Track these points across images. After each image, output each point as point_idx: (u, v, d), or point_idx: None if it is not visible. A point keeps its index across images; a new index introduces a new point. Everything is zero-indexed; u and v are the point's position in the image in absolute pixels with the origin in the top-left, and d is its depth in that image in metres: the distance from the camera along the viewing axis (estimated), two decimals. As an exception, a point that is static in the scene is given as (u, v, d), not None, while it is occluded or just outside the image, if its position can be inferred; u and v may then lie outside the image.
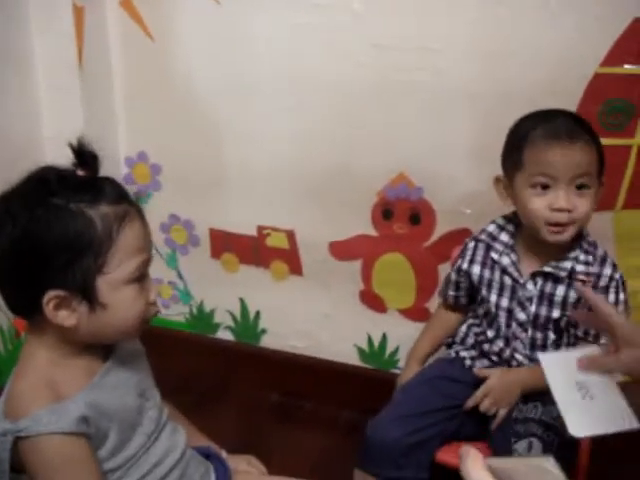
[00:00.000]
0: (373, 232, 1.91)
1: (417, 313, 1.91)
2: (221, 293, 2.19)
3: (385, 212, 1.87)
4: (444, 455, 1.45)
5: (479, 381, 1.45)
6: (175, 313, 2.29)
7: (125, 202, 0.99)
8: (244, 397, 2.15)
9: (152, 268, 2.21)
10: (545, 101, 1.50)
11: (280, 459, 1.81)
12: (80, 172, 0.98)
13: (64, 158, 0.99)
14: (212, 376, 2.20)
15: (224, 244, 2.12)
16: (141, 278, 1.01)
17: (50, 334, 1.00)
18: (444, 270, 1.70)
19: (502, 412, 1.41)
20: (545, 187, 1.34)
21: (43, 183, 0.96)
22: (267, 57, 1.85)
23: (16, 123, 1.83)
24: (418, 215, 1.84)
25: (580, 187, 1.34)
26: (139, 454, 1.06)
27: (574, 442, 1.37)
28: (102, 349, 1.07)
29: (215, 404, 2.11)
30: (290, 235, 2.02)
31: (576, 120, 1.38)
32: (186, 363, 2.22)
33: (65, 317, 0.97)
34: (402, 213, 1.85)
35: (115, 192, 0.99)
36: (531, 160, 1.35)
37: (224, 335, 2.24)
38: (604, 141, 1.56)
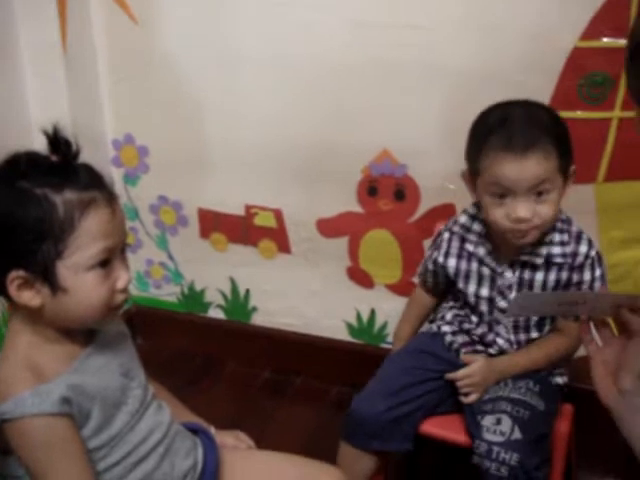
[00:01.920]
0: (359, 209, 1.93)
1: (404, 288, 1.93)
2: (211, 272, 2.21)
3: (370, 189, 1.88)
4: (428, 427, 1.48)
5: (459, 361, 1.48)
6: (166, 293, 2.31)
7: (94, 189, 1.00)
8: (236, 374, 2.18)
9: (143, 249, 2.25)
10: (525, 77, 1.51)
11: (272, 434, 1.85)
12: (54, 158, 0.99)
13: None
14: (204, 354, 2.24)
15: (213, 224, 2.13)
16: (105, 264, 1.01)
17: (28, 317, 1.03)
18: (429, 245, 1.72)
19: (474, 397, 1.42)
20: (503, 196, 1.31)
21: (12, 166, 0.98)
22: (250, 37, 1.85)
23: (1, 110, 1.83)
24: (403, 191, 1.85)
25: (540, 194, 1.30)
26: (123, 432, 1.08)
27: (545, 415, 1.40)
28: (84, 332, 1.08)
29: (207, 382, 2.15)
30: (277, 214, 2.03)
31: (538, 118, 1.31)
32: (178, 342, 2.26)
33: (29, 298, 0.99)
34: (387, 190, 1.87)
35: (85, 178, 0.99)
36: (487, 169, 1.31)
37: (215, 314, 2.26)
38: (583, 115, 1.58)
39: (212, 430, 1.31)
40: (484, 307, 1.47)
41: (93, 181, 1.01)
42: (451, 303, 1.58)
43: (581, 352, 1.57)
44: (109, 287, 1.03)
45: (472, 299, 1.48)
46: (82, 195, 0.98)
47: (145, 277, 2.31)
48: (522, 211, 1.29)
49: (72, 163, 1.00)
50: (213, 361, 2.22)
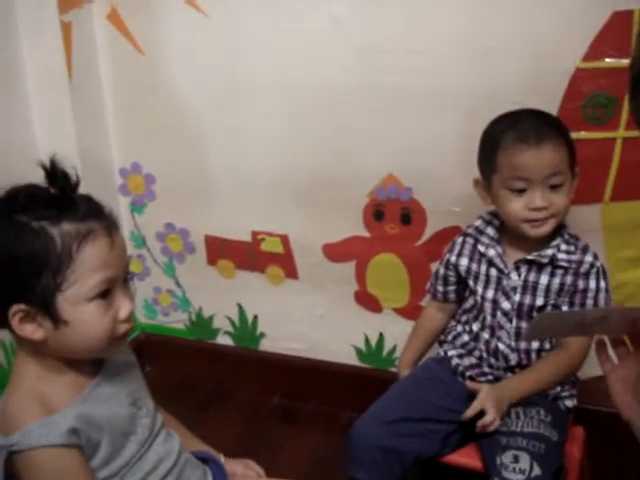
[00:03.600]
0: (365, 233, 1.93)
1: (412, 311, 1.93)
2: (219, 299, 2.21)
3: (376, 213, 1.89)
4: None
5: (464, 387, 1.47)
6: (175, 320, 2.31)
7: (92, 219, 1.00)
8: (245, 400, 2.17)
9: (150, 277, 2.25)
10: (527, 98, 1.52)
11: (281, 461, 1.85)
12: (52, 190, 1.00)
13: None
14: (213, 381, 2.22)
15: (220, 251, 2.14)
16: (106, 295, 1.01)
17: (34, 349, 1.03)
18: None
19: (494, 425, 1.38)
20: (520, 188, 1.38)
21: (10, 201, 0.99)
22: (254, 65, 1.87)
23: (8, 141, 1.85)
24: (409, 215, 1.85)
25: (553, 187, 1.38)
26: (133, 461, 1.08)
27: (559, 445, 1.39)
28: (92, 362, 1.09)
29: (217, 409, 2.14)
30: (284, 239, 2.03)
31: (543, 119, 1.41)
32: (187, 369, 2.26)
33: (31, 331, 0.99)
34: (393, 213, 1.87)
35: (84, 209, 1.00)
36: (504, 164, 1.39)
37: (223, 340, 2.26)
38: (588, 135, 1.58)
39: (222, 459, 1.30)
40: (488, 309, 1.49)
41: (91, 212, 1.01)
42: (458, 318, 1.58)
43: (590, 373, 1.57)
44: (111, 318, 1.02)
45: (479, 299, 1.50)
46: (79, 226, 0.98)
47: (153, 304, 2.31)
48: (539, 200, 1.37)
49: (70, 195, 1.01)
50: (222, 388, 2.21)
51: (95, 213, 1.02)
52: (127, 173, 2.15)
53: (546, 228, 1.40)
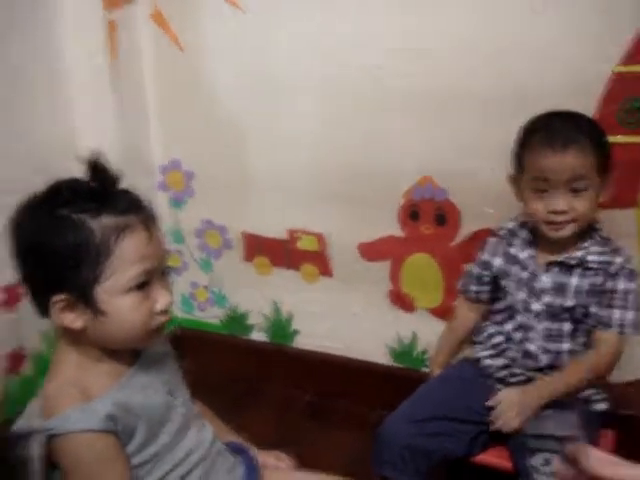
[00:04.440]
0: (401, 233, 1.94)
1: (445, 311, 1.93)
2: (254, 295, 2.24)
3: (412, 213, 1.90)
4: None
5: (493, 389, 1.49)
6: (211, 316, 2.35)
7: (131, 213, 1.03)
8: (278, 396, 2.20)
9: (188, 272, 2.29)
10: (564, 100, 1.52)
11: (312, 457, 1.84)
12: (93, 184, 1.03)
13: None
14: (247, 376, 2.25)
15: (256, 247, 2.17)
16: (143, 287, 1.05)
17: (74, 338, 1.07)
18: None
19: (513, 423, 1.41)
20: (544, 190, 1.40)
21: (52, 195, 1.03)
22: (291, 63, 1.91)
23: (53, 137, 1.90)
24: (444, 216, 1.86)
25: (576, 190, 1.38)
26: (167, 449, 1.11)
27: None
28: (130, 351, 1.12)
29: (250, 404, 2.17)
30: (320, 238, 2.06)
31: (575, 122, 1.41)
32: (222, 364, 2.28)
33: (71, 320, 1.03)
34: (428, 214, 1.88)
35: (123, 203, 1.03)
36: (530, 164, 1.43)
37: (258, 336, 2.29)
38: (623, 139, 1.57)
39: (254, 450, 1.33)
40: (519, 311, 1.50)
41: (130, 205, 1.05)
42: (490, 319, 1.59)
43: (622, 377, 1.57)
44: (147, 309, 1.06)
45: (512, 300, 1.51)
46: (118, 220, 1.02)
47: (190, 299, 2.35)
48: (559, 204, 1.39)
49: (110, 189, 1.04)
50: (255, 383, 2.24)
51: (134, 207, 1.05)
52: (167, 170, 2.20)
53: (566, 232, 1.41)
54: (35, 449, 1.03)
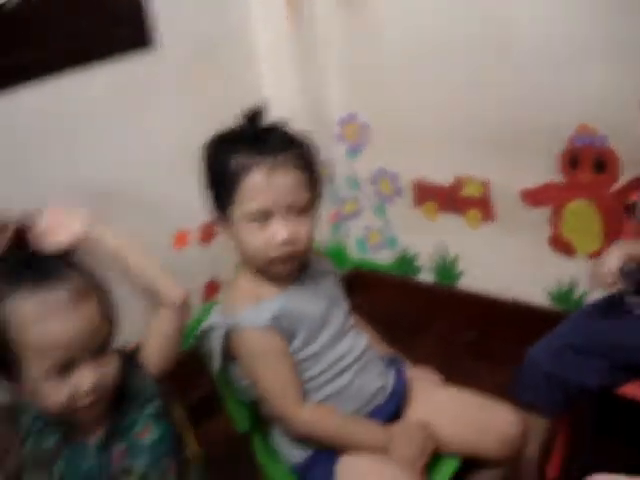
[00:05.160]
0: (561, 179, 2.01)
1: (605, 257, 1.98)
2: (423, 239, 2.40)
3: (571, 160, 1.96)
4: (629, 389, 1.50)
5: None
6: (382, 257, 2.54)
7: (270, 156, 1.21)
8: (441, 334, 2.34)
9: (362, 217, 2.46)
10: None
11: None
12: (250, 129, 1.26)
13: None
14: (413, 314, 2.42)
15: (425, 194, 2.32)
16: (265, 219, 1.22)
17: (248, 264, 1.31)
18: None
19: None
20: None
21: (222, 137, 1.28)
22: (456, 24, 2.03)
23: (239, 90, 2.14)
24: (603, 162, 1.91)
25: None
26: (323, 351, 1.31)
27: None
28: (295, 269, 1.33)
29: (415, 339, 2.32)
30: (484, 184, 2.17)
31: None
32: (391, 302, 2.46)
33: (228, 237, 1.28)
34: (587, 161, 1.94)
35: (270, 145, 1.22)
36: None
37: (425, 277, 2.45)
38: None
39: (405, 363, 1.50)
40: None
41: (275, 148, 1.22)
42: None
43: None
44: (264, 239, 1.23)
45: None
46: (256, 158, 1.21)
47: (364, 242, 2.55)
48: None
49: (261, 132, 1.25)
50: (421, 321, 2.40)
51: (277, 149, 1.22)
52: (344, 122, 2.39)
53: None
54: (216, 341, 1.28)
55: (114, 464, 1.08)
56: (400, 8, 2.12)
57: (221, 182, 1.24)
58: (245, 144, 1.23)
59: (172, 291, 1.13)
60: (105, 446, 1.08)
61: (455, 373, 2.08)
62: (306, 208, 1.25)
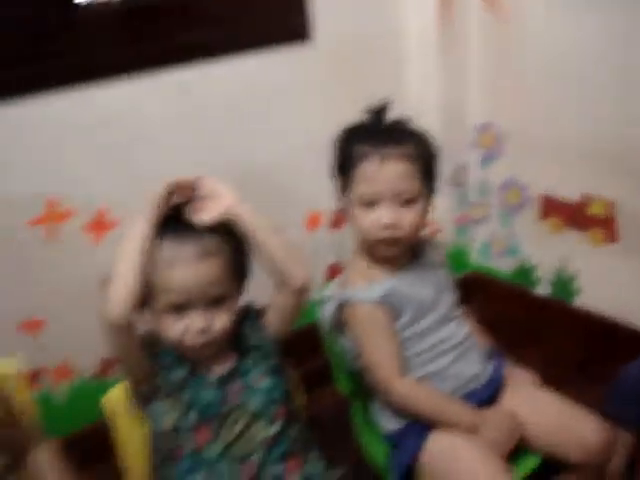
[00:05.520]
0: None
1: None
2: (544, 252, 2.44)
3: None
4: None
5: None
6: (502, 265, 2.60)
7: (387, 147, 1.33)
8: (547, 349, 2.34)
9: (489, 223, 2.56)
10: None
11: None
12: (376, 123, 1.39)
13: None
14: (525, 325, 2.44)
15: (551, 208, 2.37)
16: (372, 205, 1.34)
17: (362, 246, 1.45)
18: None
19: None
20: None
21: (354, 127, 1.42)
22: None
23: (386, 87, 2.24)
24: None
25: None
26: (427, 332, 1.44)
27: None
28: (407, 256, 1.45)
29: (523, 349, 2.35)
30: (610, 204, 2.19)
31: None
32: (504, 309, 2.50)
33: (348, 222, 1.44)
34: None
35: (388, 136, 1.36)
36: None
37: (542, 289, 2.50)
38: None
39: (505, 358, 1.58)
40: None
41: (392, 139, 1.35)
42: None
43: None
44: (371, 221, 1.36)
45: None
46: (371, 149, 1.34)
47: (488, 248, 2.63)
48: None
49: (384, 126, 1.39)
50: (531, 333, 2.42)
51: (392, 142, 1.35)
52: (481, 130, 2.47)
53: None
54: (331, 310, 1.42)
55: (230, 398, 1.24)
56: (543, 21, 2.18)
57: (343, 169, 1.39)
58: (367, 135, 1.37)
59: (296, 274, 1.25)
60: (225, 382, 1.25)
61: (557, 388, 2.10)
62: (414, 198, 1.36)
